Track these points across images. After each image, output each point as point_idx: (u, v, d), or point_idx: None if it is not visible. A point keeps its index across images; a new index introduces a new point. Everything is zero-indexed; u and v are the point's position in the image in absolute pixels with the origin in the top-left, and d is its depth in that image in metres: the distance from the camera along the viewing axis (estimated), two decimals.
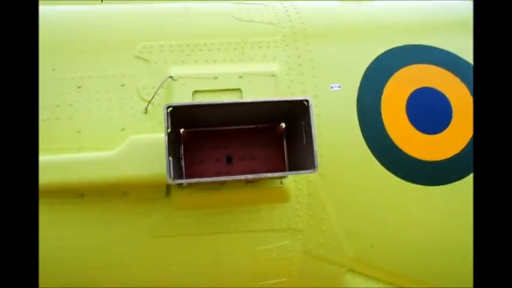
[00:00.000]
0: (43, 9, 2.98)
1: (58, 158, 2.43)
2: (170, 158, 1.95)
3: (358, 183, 2.73)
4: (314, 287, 2.96)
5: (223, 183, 2.39)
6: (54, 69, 2.75)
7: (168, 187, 2.55)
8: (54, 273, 2.64)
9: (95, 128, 2.64)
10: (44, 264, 2.56)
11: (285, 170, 2.43)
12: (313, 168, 2.07)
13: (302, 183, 2.67)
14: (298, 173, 2.29)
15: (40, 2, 3.04)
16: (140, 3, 3.19)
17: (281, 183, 2.53)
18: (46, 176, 2.39)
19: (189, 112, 2.11)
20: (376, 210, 2.75)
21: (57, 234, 2.59)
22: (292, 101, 2.15)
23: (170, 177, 1.97)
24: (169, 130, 1.97)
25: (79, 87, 2.71)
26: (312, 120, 2.11)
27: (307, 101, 2.12)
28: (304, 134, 2.18)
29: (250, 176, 2.06)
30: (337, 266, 2.77)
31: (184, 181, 2.04)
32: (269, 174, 2.16)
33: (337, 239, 2.72)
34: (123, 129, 2.63)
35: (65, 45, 2.80)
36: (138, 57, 2.78)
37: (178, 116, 2.08)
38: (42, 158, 2.45)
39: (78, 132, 2.63)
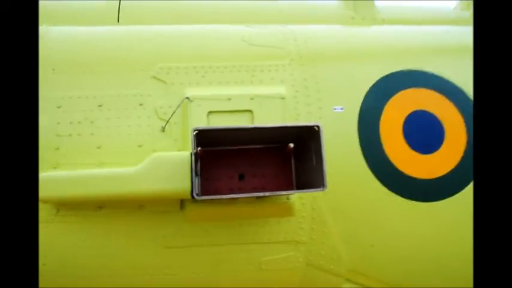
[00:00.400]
0: (65, 30, 3.17)
1: (84, 172, 2.62)
2: (193, 178, 2.18)
3: (357, 200, 2.95)
4: None
5: (237, 199, 2.60)
6: (75, 88, 2.93)
7: (182, 201, 2.75)
8: (70, 280, 2.81)
9: (115, 144, 2.82)
10: (61, 269, 2.74)
11: (292, 186, 2.64)
12: (323, 187, 2.30)
13: (306, 198, 2.88)
14: (308, 191, 2.51)
15: (59, 23, 3.25)
16: (155, 24, 3.40)
17: (287, 198, 2.74)
18: (70, 189, 2.57)
19: (207, 133, 2.32)
20: (373, 225, 2.97)
21: (75, 243, 2.76)
22: (303, 126, 2.38)
23: (196, 194, 2.18)
24: (195, 151, 2.19)
25: (100, 105, 2.89)
26: (322, 143, 2.33)
27: (318, 126, 2.35)
28: (313, 155, 2.41)
29: (267, 194, 2.28)
30: (335, 276, 2.98)
31: (207, 197, 2.24)
32: (283, 192, 2.39)
33: (336, 251, 2.93)
34: (140, 146, 2.83)
35: (87, 65, 2.98)
36: (155, 78, 2.98)
37: (197, 136, 2.30)
38: (65, 172, 2.64)
39: (99, 148, 2.81)
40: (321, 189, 2.31)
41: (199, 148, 2.54)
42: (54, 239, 2.72)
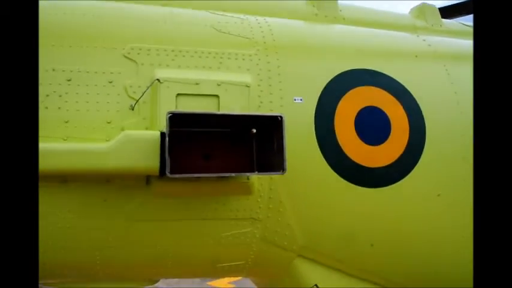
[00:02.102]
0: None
1: (57, 146, 2.68)
2: (167, 157, 2.34)
3: (311, 183, 3.23)
4: (266, 270, 3.47)
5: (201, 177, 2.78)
6: (44, 60, 2.92)
7: (148, 177, 2.89)
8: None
9: (83, 119, 2.88)
10: None
11: (253, 168, 2.86)
12: (282, 171, 2.54)
13: (265, 179, 3.11)
14: (269, 174, 2.74)
15: None
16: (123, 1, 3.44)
17: (247, 178, 2.95)
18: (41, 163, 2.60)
19: (180, 116, 2.47)
20: (323, 205, 3.28)
21: (41, 216, 2.81)
22: (268, 116, 2.60)
23: (168, 172, 2.34)
24: (168, 133, 2.35)
25: (69, 80, 2.93)
26: (283, 132, 2.57)
27: (281, 117, 2.58)
28: (275, 141, 2.64)
29: (233, 174, 2.49)
30: (288, 251, 3.26)
31: (179, 176, 2.40)
32: (247, 174, 2.61)
33: (290, 229, 3.20)
34: (109, 123, 2.91)
35: (57, 38, 3.00)
36: (126, 57, 3.05)
37: (171, 119, 2.45)
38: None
39: (66, 122, 2.86)
40: (280, 172, 2.56)
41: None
42: None
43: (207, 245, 3.13)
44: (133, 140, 2.67)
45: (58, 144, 2.73)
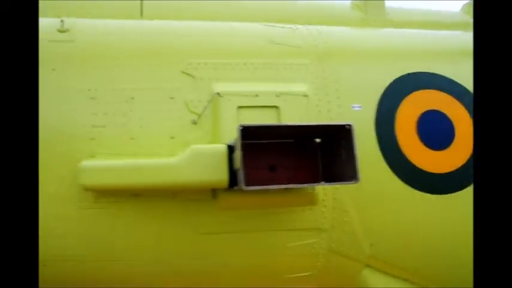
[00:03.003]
0: (93, 22, 3.26)
1: (130, 162, 2.76)
2: (241, 170, 2.35)
3: (374, 190, 3.15)
4: (334, 281, 3.40)
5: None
6: (108, 80, 3.03)
7: (214, 190, 2.91)
8: (107, 264, 2.95)
9: (147, 135, 2.96)
10: (99, 254, 2.90)
11: (319, 178, 2.82)
12: (356, 180, 2.49)
13: (328, 189, 3.08)
14: (340, 184, 2.70)
15: (81, 15, 3.33)
16: (179, 20, 3.51)
17: (313, 189, 2.92)
18: (113, 178, 2.70)
19: (249, 129, 2.47)
20: (389, 214, 3.19)
21: (113, 229, 2.90)
22: (336, 125, 2.57)
23: (244, 185, 2.35)
24: (240, 145, 2.36)
25: (132, 98, 3.02)
26: (354, 141, 2.52)
27: (349, 125, 2.54)
28: (343, 150, 2.59)
29: (305, 185, 2.45)
30: (356, 262, 3.19)
31: (255, 188, 2.40)
32: (322, 183, 2.58)
33: (356, 238, 3.13)
34: (172, 138, 2.97)
35: (120, 58, 3.10)
36: (185, 73, 3.11)
37: (242, 132, 2.46)
38: (108, 161, 2.78)
39: (132, 139, 2.94)
40: (353, 182, 2.51)
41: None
42: (94, 225, 2.85)
43: (274, 256, 3.11)
44: (201, 154, 2.70)
45: (130, 160, 2.79)
